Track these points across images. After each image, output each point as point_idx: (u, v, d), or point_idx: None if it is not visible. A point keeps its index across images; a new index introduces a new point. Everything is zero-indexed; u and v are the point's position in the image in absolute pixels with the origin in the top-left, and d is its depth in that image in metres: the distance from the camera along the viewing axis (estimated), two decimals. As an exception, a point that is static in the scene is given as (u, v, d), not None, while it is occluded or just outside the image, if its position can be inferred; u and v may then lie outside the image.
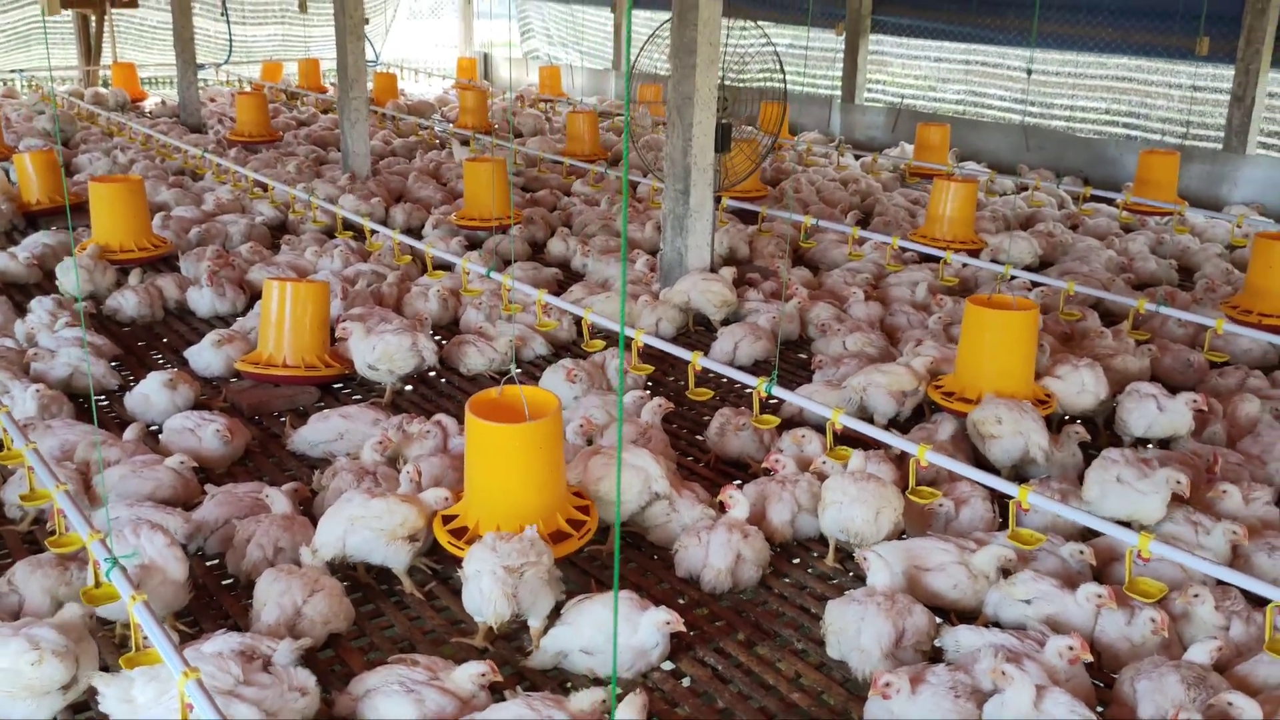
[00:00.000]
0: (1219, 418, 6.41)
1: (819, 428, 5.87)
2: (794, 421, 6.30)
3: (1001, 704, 3.77)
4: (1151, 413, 6.14)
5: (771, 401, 6.18)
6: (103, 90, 19.46)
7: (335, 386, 7.01)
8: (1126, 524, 4.82)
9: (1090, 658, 3.98)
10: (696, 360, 6.41)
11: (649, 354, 7.03)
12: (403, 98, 20.24)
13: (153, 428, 6.13)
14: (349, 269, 8.88)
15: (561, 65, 23.27)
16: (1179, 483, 4.99)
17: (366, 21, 12.58)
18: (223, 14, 22.13)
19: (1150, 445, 6.22)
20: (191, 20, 16.55)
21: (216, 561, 4.91)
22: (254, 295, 8.44)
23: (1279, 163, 13.04)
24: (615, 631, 3.87)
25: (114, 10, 20.96)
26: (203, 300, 8.20)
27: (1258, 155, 13.35)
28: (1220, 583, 4.50)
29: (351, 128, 12.54)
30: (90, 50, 21.14)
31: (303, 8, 18.54)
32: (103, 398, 6.73)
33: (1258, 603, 4.45)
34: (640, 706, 3.73)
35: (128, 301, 8.02)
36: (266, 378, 6.69)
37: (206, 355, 6.98)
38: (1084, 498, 5.23)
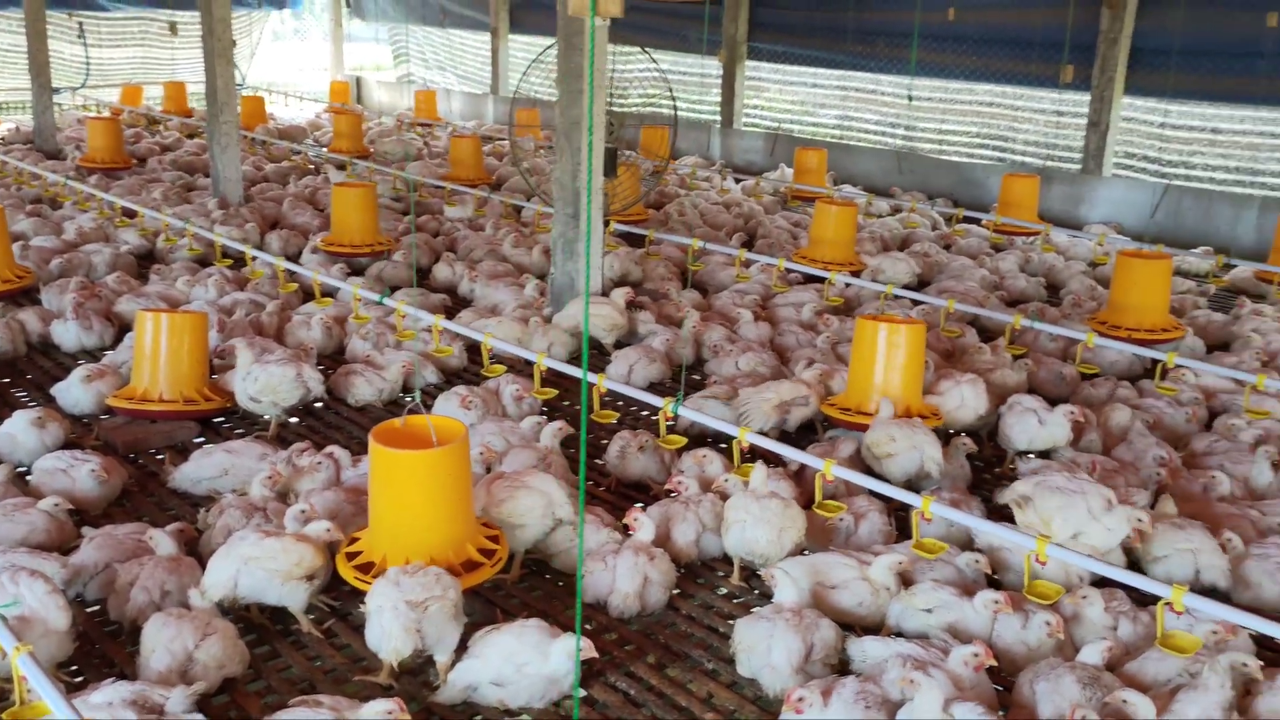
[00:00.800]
0: (1094, 427, 6.69)
1: (718, 443, 5.91)
2: (697, 441, 6.33)
3: (911, 711, 3.82)
4: (1033, 427, 6.37)
5: (669, 422, 6.18)
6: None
7: (216, 421, 6.73)
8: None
9: (993, 662, 4.08)
10: (602, 382, 6.38)
11: (549, 379, 6.97)
12: (272, 122, 19.75)
13: (20, 469, 5.78)
14: (225, 298, 8.58)
15: (438, 89, 23.07)
16: (1140, 520, 4.97)
17: (234, 44, 12.23)
18: (79, 37, 21.24)
19: (1031, 456, 6.43)
20: (47, 43, 15.83)
21: (98, 608, 4.64)
22: (123, 328, 8.06)
23: (1133, 184, 13.79)
24: (577, 651, 3.78)
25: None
26: (68, 334, 7.78)
27: (1113, 177, 14.08)
28: (1107, 584, 4.69)
29: (222, 152, 12.15)
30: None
31: (173, 30, 17.92)
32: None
33: (1142, 602, 4.65)
34: None
35: (-13, 337, 7.57)
36: (142, 413, 6.38)
37: (75, 391, 6.61)
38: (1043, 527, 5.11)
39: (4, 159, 13.85)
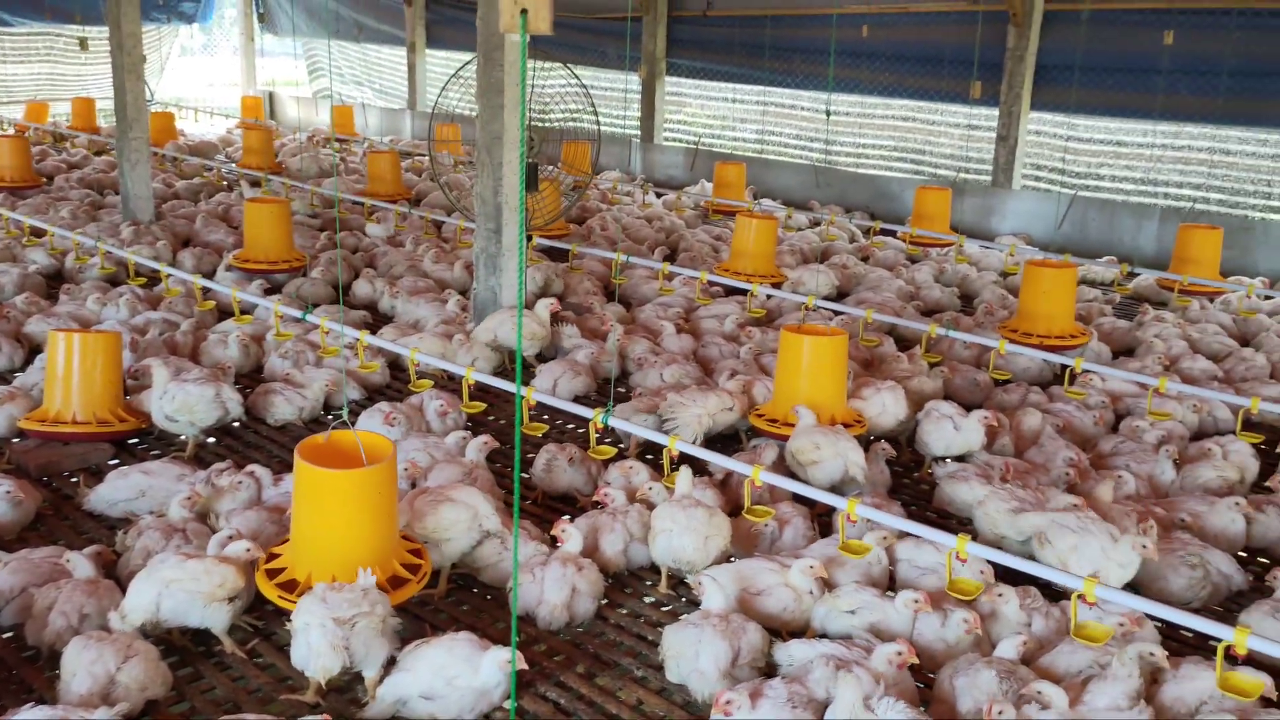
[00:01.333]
0: (1006, 431, 6.90)
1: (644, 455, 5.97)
2: (623, 453, 6.39)
3: (835, 710, 3.91)
4: (949, 433, 6.55)
5: (598, 434, 6.22)
6: None
7: (131, 442, 6.59)
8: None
9: (916, 660, 4.19)
10: (530, 395, 6.40)
11: (475, 393, 6.97)
12: (182, 138, 19.37)
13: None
14: (138, 317, 8.40)
15: (354, 104, 22.86)
16: (1145, 546, 5.00)
17: (144, 59, 12.00)
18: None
19: (947, 460, 6.61)
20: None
21: (12, 634, 4.51)
22: (33, 349, 7.86)
23: (1041, 196, 14.25)
24: (513, 656, 3.78)
25: None
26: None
27: (1022, 190, 14.53)
28: (1021, 581, 4.85)
29: (132, 169, 11.90)
30: None
31: (84, 46, 17.51)
32: None
33: (1054, 597, 4.83)
34: None
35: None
36: (55, 435, 6.21)
37: (-16, 414, 6.43)
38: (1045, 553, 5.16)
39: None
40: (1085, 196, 13.86)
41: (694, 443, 6.23)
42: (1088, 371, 7.69)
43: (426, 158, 17.55)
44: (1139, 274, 11.45)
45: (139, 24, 11.47)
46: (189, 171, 15.99)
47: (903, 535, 5.21)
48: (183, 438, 6.51)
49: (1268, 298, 10.76)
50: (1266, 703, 4.14)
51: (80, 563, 4.52)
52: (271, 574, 4.47)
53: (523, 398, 6.54)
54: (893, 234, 13.25)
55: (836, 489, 6.06)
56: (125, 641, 4.04)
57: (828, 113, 14.02)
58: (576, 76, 9.57)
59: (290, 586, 4.36)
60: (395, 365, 7.97)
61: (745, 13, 17.04)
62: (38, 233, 10.76)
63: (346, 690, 4.27)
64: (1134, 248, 12.87)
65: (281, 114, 24.41)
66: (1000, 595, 4.73)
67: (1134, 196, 14.19)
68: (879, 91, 16.05)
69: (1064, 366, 7.92)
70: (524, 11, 2.60)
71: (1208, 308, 10.37)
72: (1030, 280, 8.95)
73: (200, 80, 30.73)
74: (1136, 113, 13.64)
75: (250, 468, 5.62)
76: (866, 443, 6.64)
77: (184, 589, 4.28)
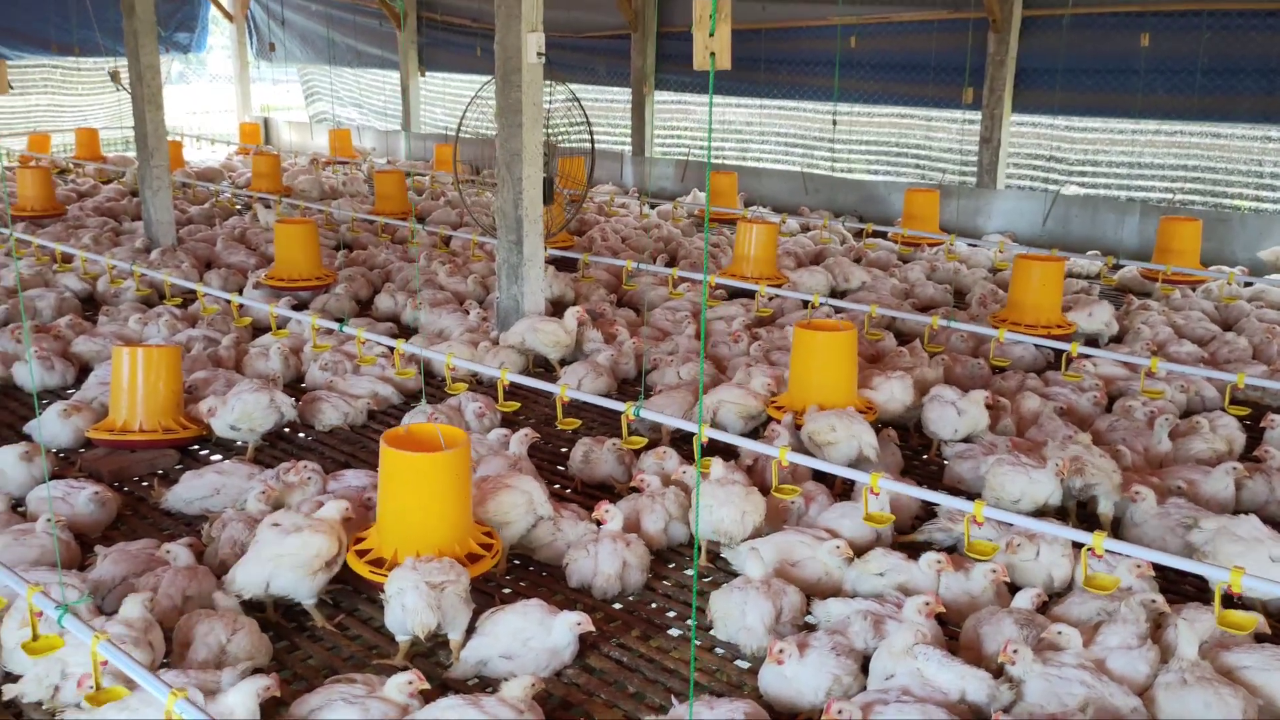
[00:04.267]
0: (1007, 413, 7.38)
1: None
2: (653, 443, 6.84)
3: (885, 646, 4.37)
4: (953, 415, 7.01)
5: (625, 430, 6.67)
6: None
7: (193, 448, 7.01)
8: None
9: (943, 609, 4.66)
10: (564, 392, 6.84)
11: (510, 393, 7.40)
12: (189, 165, 19.78)
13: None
14: (178, 335, 8.82)
15: (351, 127, 23.31)
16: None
17: (162, 90, 12.39)
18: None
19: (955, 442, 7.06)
20: (-47, 94, 15.71)
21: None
22: (82, 367, 8.28)
23: (1025, 195, 14.80)
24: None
25: None
26: (30, 375, 7.95)
27: (1005, 189, 15.09)
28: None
29: (154, 196, 12.32)
30: None
31: (115, 79, 17.92)
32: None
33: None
34: (528, 686, 4.10)
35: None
36: (123, 443, 6.64)
37: (53, 426, 6.83)
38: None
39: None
40: (1067, 195, 14.41)
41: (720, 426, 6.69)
42: (1083, 356, 8.18)
43: (427, 177, 18.01)
44: (1124, 265, 11.98)
45: (157, 56, 11.91)
46: (201, 197, 16.40)
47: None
48: (240, 443, 6.94)
49: (1247, 284, 11.30)
50: (1259, 638, 4.64)
51: (180, 552, 4.95)
52: (360, 555, 4.91)
53: (555, 395, 6.99)
54: (884, 235, 13.77)
55: (851, 468, 6.53)
56: (232, 616, 4.47)
57: (834, 121, 14.56)
58: (575, 96, 10.06)
59: (378, 564, 4.80)
60: (427, 372, 8.40)
61: (737, 27, 17.45)
62: (66, 259, 11.16)
63: (430, 655, 4.71)
64: (1117, 242, 13.42)
65: (277, 138, 24.83)
66: (1019, 546, 5.21)
67: (1112, 193, 14.75)
68: (870, 100, 16.57)
69: (1057, 353, 8.40)
70: (713, 54, 3.09)
71: (1190, 296, 10.90)
72: (1020, 273, 9.46)
73: (182, 109, 31.07)
74: (1116, 112, 14.22)
75: (309, 463, 6.05)
76: (877, 430, 7.13)
77: (287, 564, 4.73)
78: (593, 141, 10.72)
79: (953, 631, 4.89)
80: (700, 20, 3.12)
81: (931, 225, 13.54)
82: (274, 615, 4.95)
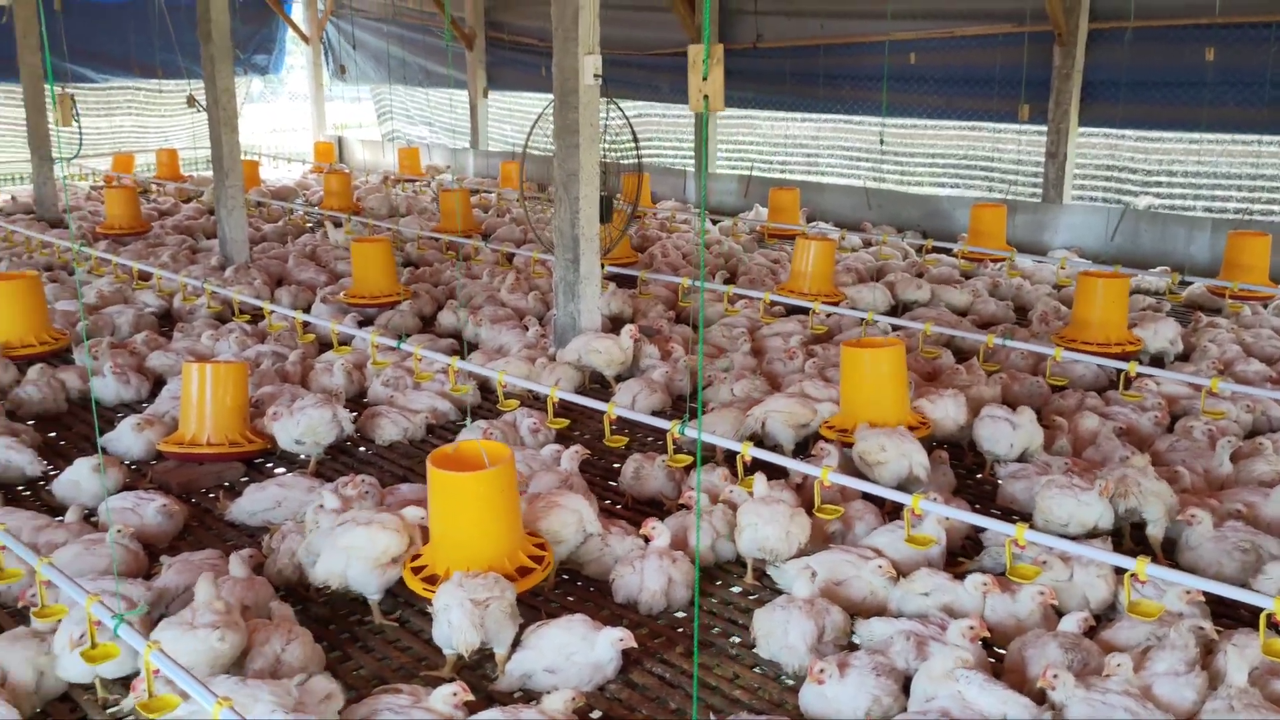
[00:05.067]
0: (1064, 433, 7.30)
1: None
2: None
3: (925, 670, 4.38)
4: (1007, 431, 6.97)
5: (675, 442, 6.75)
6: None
7: (258, 462, 7.26)
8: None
9: (988, 634, 4.65)
10: (612, 409, 6.95)
11: (559, 410, 7.53)
12: (264, 184, 20.37)
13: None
14: (247, 351, 9.12)
15: (421, 145, 23.77)
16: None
17: (238, 113, 12.83)
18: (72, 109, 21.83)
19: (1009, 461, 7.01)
20: (46, 117, 16.39)
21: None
22: (157, 381, 8.60)
23: (1090, 210, 14.58)
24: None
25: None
26: (108, 389, 8.29)
27: (1072, 204, 14.87)
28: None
29: (229, 215, 12.74)
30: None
31: (191, 103, 18.61)
32: (22, 487, 6.81)
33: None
34: (569, 700, 4.20)
35: (32, 394, 8.06)
36: (191, 457, 6.90)
37: (126, 439, 7.13)
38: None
39: (12, 228, 14.36)
40: (1135, 210, 14.17)
41: (773, 447, 6.73)
42: (1143, 375, 8.05)
43: (493, 194, 18.31)
44: (1191, 282, 11.75)
45: (232, 80, 12.33)
46: (274, 215, 16.89)
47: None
48: (303, 456, 7.16)
49: (1319, 301, 11.00)
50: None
51: (237, 563, 5.14)
52: (415, 572, 5.06)
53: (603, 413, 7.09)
54: (945, 251, 13.67)
55: (902, 487, 6.53)
56: (288, 627, 4.64)
57: (881, 139, 14.49)
58: (625, 116, 10.20)
59: (432, 581, 4.95)
60: (483, 387, 8.57)
61: (795, 43, 17.58)
62: (144, 276, 11.59)
63: (476, 668, 4.83)
64: (1186, 258, 13.15)
65: (350, 157, 25.42)
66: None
67: (1181, 209, 14.46)
68: (929, 115, 16.49)
69: (1119, 371, 8.29)
70: (706, 97, 3.21)
71: (1261, 313, 10.65)
72: (1084, 290, 9.34)
73: (262, 127, 31.99)
74: (1183, 125, 13.95)
75: (365, 477, 6.22)
76: (930, 448, 7.11)
77: (359, 556, 4.99)
78: (640, 159, 10.83)
79: (998, 654, 4.88)
80: (694, 64, 3.21)
81: (998, 241, 13.40)
82: (326, 627, 5.11)
